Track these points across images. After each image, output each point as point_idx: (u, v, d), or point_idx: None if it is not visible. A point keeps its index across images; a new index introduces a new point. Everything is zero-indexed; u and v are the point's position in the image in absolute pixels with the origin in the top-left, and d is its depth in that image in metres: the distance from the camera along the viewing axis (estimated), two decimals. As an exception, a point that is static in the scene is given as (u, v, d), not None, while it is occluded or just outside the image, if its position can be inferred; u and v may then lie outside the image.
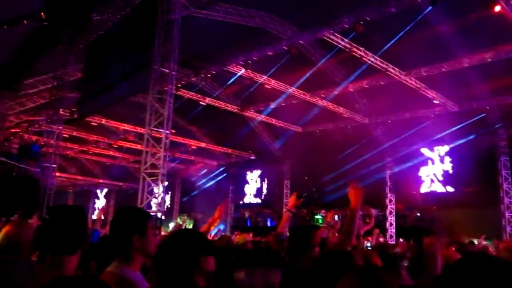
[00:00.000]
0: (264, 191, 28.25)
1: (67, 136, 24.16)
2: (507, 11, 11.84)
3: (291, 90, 18.94)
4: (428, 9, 12.86)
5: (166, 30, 12.92)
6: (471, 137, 19.02)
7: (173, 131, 20.73)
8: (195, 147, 26.13)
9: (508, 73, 15.40)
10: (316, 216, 26.72)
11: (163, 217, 14.91)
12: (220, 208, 4.63)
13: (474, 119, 18.50)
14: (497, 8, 11.58)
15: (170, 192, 33.09)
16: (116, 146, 26.80)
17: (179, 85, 18.63)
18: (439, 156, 20.90)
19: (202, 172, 30.85)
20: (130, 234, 2.47)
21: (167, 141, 12.59)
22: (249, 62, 16.46)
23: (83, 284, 1.41)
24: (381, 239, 13.31)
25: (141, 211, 2.86)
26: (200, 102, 21.01)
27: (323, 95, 19.58)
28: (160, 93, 12.88)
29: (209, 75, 18.17)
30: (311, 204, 24.64)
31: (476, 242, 13.57)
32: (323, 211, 25.48)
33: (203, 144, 26.32)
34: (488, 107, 18.11)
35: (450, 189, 20.39)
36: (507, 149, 19.09)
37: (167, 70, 12.81)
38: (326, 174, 23.52)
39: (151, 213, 12.27)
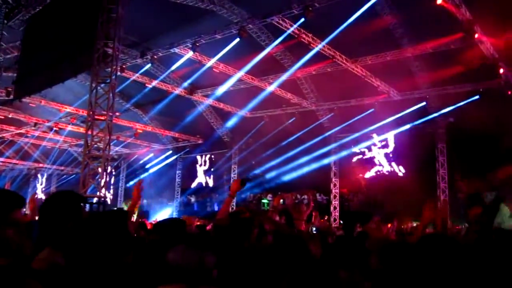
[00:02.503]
0: (212, 176, 28.13)
1: (3, 117, 22.85)
2: (448, 4, 12.29)
3: (240, 74, 18.83)
4: (375, -1, 13.12)
5: (110, 9, 12.35)
6: (413, 124, 19.86)
7: (117, 113, 20.20)
8: (141, 131, 25.47)
9: (448, 64, 16.12)
10: (263, 201, 27.01)
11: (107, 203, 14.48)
12: (136, 187, 4.51)
13: (416, 107, 19.28)
14: (439, 1, 11.97)
15: (114, 177, 32.25)
16: (57, 129, 25.61)
17: (124, 66, 18.04)
18: (383, 142, 21.63)
19: (149, 157, 30.22)
20: (64, 220, 2.31)
21: (110, 124, 12.15)
22: (197, 45, 16.15)
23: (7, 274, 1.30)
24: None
25: (76, 196, 2.67)
26: (146, 85, 20.46)
27: (271, 80, 19.64)
28: (104, 74, 12.38)
29: (155, 57, 17.66)
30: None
31: (415, 224, 14.23)
32: (269, 195, 25.81)
33: (149, 128, 25.72)
34: (428, 96, 18.90)
35: (392, 174, 21.17)
36: (445, 136, 20.06)
37: (110, 50, 12.30)
38: (273, 159, 23.77)
39: (94, 199, 11.88)
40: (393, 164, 21.38)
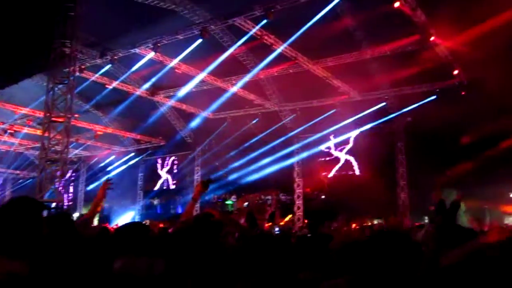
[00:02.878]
0: (175, 178, 27.79)
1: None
2: (405, 7, 12.65)
3: (203, 75, 18.71)
4: (337, 1, 13.33)
5: (68, 7, 12.01)
6: (373, 124, 20.33)
7: (76, 115, 19.63)
8: (101, 133, 24.86)
9: (406, 66, 16.60)
10: (227, 202, 26.97)
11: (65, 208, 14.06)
12: (102, 187, 4.40)
13: (375, 107, 19.75)
14: (397, 4, 12.31)
15: (74, 181, 31.33)
16: (12, 131, 24.65)
17: (82, 67, 17.59)
18: (344, 142, 22.00)
19: (110, 159, 29.55)
20: (21, 228, 2.21)
21: (69, 126, 11.81)
22: (159, 45, 15.95)
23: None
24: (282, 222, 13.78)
25: (35, 203, 2.54)
26: (107, 86, 20.00)
27: (234, 81, 19.62)
28: (61, 74, 12.02)
29: (116, 57, 17.30)
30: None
31: (376, 222, 14.59)
32: (233, 196, 25.79)
33: (109, 130, 25.14)
34: (387, 97, 19.40)
35: (354, 173, 21.56)
36: (404, 135, 20.64)
37: (68, 50, 11.96)
38: (237, 160, 23.78)
39: (53, 204, 11.51)
40: (353, 162, 21.78)
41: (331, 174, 22.38)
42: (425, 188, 21.39)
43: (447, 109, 16.76)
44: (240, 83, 19.51)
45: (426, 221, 19.82)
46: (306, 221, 21.85)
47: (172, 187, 27.65)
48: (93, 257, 2.88)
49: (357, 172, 21.36)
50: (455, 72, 16.10)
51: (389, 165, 20.69)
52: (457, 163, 19.78)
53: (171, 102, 22.18)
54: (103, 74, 19.16)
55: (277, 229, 8.00)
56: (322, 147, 22.37)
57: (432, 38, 13.86)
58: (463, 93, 16.97)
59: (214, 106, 21.82)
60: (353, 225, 10.55)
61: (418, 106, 18.68)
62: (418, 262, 2.00)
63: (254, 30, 14.73)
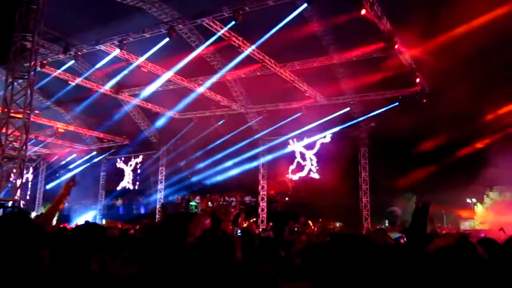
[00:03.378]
0: (139, 178, 27.31)
1: None
2: (371, 15, 12.91)
3: (169, 74, 18.50)
4: (304, 6, 13.46)
5: (30, 0, 11.62)
6: (338, 129, 20.65)
7: (36, 111, 19.02)
8: (62, 130, 24.15)
9: (370, 72, 16.97)
10: (191, 203, 26.77)
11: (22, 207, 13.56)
12: (66, 183, 4.25)
13: (340, 112, 20.07)
14: (363, 11, 12.54)
15: (32, 179, 30.31)
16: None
17: (44, 62, 17.08)
18: (309, 145, 22.23)
19: (71, 157, 28.75)
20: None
21: (28, 122, 11.42)
22: (125, 42, 15.66)
23: None
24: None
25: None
26: (69, 82, 19.48)
27: (201, 82, 19.51)
28: (22, 69, 11.62)
29: (80, 53, 16.87)
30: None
31: (338, 225, 14.81)
32: (197, 197, 25.63)
33: (71, 127, 24.48)
34: (352, 102, 19.75)
35: (318, 176, 21.81)
36: (367, 141, 21.06)
37: (29, 44, 11.57)
38: (202, 161, 23.65)
39: (9, 203, 11.10)
40: (318, 166, 22.03)
41: (295, 177, 22.57)
42: (386, 192, 22.03)
43: (409, 116, 17.24)
44: (207, 84, 19.41)
45: (387, 224, 20.34)
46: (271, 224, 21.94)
47: (135, 187, 27.18)
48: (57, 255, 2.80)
49: (316, 176, 21.60)
50: (418, 80, 16.54)
51: (352, 169, 21.07)
52: (416, 169, 20.38)
53: (136, 101, 21.82)
54: (66, 70, 18.67)
55: (239, 231, 7.94)
56: (287, 150, 22.53)
57: (396, 46, 14.19)
58: (424, 100, 17.47)
59: (180, 106, 21.62)
60: (315, 228, 10.64)
61: (382, 112, 19.11)
62: (376, 266, 2.03)
63: (222, 31, 14.69)
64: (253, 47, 15.80)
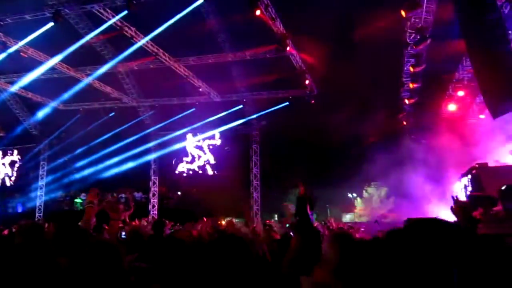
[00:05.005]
0: (16, 173, 24.91)
1: None
2: (266, 17, 13.27)
3: (53, 62, 17.16)
4: (200, 2, 13.39)
5: None
6: (231, 126, 20.93)
7: None
8: None
9: (263, 72, 17.49)
10: (76, 200, 25.31)
11: None
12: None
13: (233, 109, 20.38)
14: (258, 12, 12.84)
15: None
16: None
17: None
18: (202, 141, 22.22)
19: None
20: None
21: None
22: (2, 24, 14.20)
23: None
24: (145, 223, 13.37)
25: None
26: None
27: (89, 72, 18.44)
28: None
29: None
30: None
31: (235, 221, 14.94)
32: (83, 194, 24.24)
33: None
34: (245, 100, 20.17)
35: (211, 172, 21.89)
36: (258, 138, 21.69)
37: None
38: (89, 155, 22.41)
39: None
40: (210, 162, 22.14)
41: (188, 173, 22.41)
42: (276, 188, 22.89)
43: (298, 116, 18.10)
44: (96, 74, 18.37)
45: (277, 219, 21.16)
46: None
47: (12, 183, 24.73)
48: None
49: (209, 172, 21.71)
50: (307, 82, 17.39)
51: (244, 166, 21.55)
52: (304, 165, 21.45)
53: (14, 89, 19.89)
54: None
55: (123, 233, 7.57)
56: (180, 146, 22.29)
57: (288, 48, 14.76)
58: (312, 102, 18.44)
59: (66, 96, 20.16)
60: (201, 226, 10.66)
61: (273, 111, 19.81)
62: (253, 263, 2.10)
63: (113, 20, 14.02)
64: (147, 39, 15.31)
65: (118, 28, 14.49)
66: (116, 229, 7.44)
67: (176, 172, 22.25)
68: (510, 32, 7.96)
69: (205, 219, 9.42)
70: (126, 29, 14.64)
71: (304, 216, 3.57)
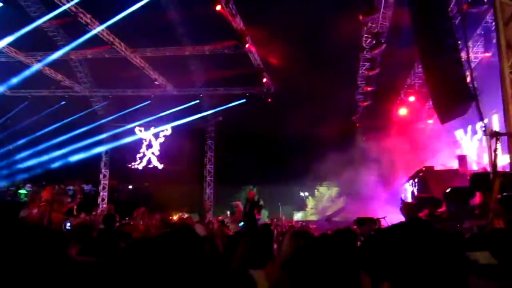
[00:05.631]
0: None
1: None
2: (226, 12, 13.20)
3: (1, 45, 16.28)
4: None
5: None
6: (186, 120, 20.70)
7: None
8: None
9: (221, 67, 17.40)
10: (20, 191, 24.25)
11: None
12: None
13: (190, 104, 20.16)
14: (218, 7, 12.75)
15: None
16: None
17: None
18: (155, 135, 21.87)
19: None
20: None
21: None
22: None
23: None
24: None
25: None
26: None
27: (40, 58, 17.66)
28: None
29: None
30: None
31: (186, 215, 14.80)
32: (28, 185, 23.26)
33: None
34: (201, 95, 20.00)
35: (163, 166, 21.59)
36: (214, 134, 21.59)
37: None
38: (37, 144, 21.49)
39: None
40: (164, 155, 21.83)
41: (140, 166, 22.01)
42: (229, 184, 22.88)
43: (255, 113, 18.15)
44: (47, 60, 17.61)
45: (229, 215, 21.13)
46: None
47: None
48: None
49: (162, 166, 21.43)
50: (264, 80, 17.47)
51: (199, 161, 21.42)
52: (258, 163, 21.58)
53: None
54: None
55: (68, 224, 7.33)
56: (134, 138, 21.83)
57: (247, 46, 14.76)
58: (269, 100, 18.54)
59: (13, 82, 19.20)
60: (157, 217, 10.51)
61: (229, 107, 19.76)
62: (205, 258, 2.08)
63: (68, 5, 13.48)
64: (103, 27, 14.83)
65: (72, 13, 13.95)
66: (59, 220, 7.16)
67: (129, 165, 21.80)
68: (459, 42, 8.31)
69: (141, 209, 9.25)
70: (81, 15, 14.12)
71: (252, 219, 3.63)
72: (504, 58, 6.14)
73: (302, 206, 25.39)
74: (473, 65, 10.55)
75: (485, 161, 12.80)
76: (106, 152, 22.41)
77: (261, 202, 10.00)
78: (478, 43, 14.16)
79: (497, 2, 6.41)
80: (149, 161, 21.97)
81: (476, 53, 14.11)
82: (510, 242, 2.57)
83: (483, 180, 7.94)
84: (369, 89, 16.20)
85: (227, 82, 18.70)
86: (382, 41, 13.20)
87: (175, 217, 17.84)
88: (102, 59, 17.41)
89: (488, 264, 2.27)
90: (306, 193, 25.52)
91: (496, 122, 12.14)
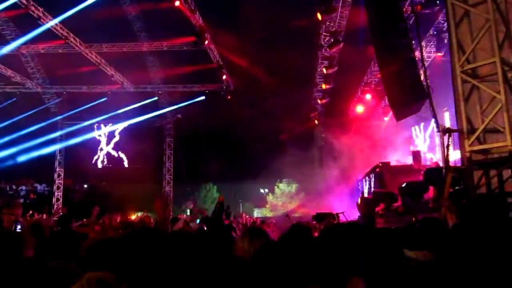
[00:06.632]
0: None
1: None
2: (185, 8, 13.04)
3: None
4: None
5: None
6: (144, 117, 20.32)
7: None
8: None
9: (180, 64, 17.21)
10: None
11: None
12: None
13: (148, 101, 19.81)
14: (177, 3, 12.57)
15: None
16: None
17: None
18: (112, 132, 21.36)
19: None
20: None
21: None
22: None
23: None
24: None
25: None
26: None
27: (-13, 52, 16.85)
28: None
29: None
30: None
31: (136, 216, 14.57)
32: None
33: None
34: (160, 92, 19.70)
35: (120, 165, 21.12)
36: (173, 131, 21.32)
37: None
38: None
39: None
40: (121, 154, 21.39)
41: (96, 165, 21.46)
42: (188, 183, 22.69)
43: (214, 110, 18.06)
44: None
45: (188, 213, 20.99)
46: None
47: None
48: None
49: (121, 164, 21.02)
50: (224, 77, 17.41)
51: (157, 159, 21.10)
52: (217, 161, 21.52)
53: None
54: None
55: (19, 226, 7.03)
56: (90, 136, 21.24)
57: (206, 42, 14.64)
58: (229, 97, 18.51)
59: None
60: (118, 219, 10.27)
61: (188, 104, 19.56)
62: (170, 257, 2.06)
63: (19, -2, 12.92)
64: (56, 21, 14.30)
65: (23, 6, 13.37)
66: (8, 221, 6.83)
67: (85, 164, 21.22)
68: (413, 42, 8.57)
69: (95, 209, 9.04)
70: (33, 8, 13.55)
71: (219, 220, 3.63)
72: (456, 57, 6.36)
73: (262, 203, 25.55)
74: (426, 64, 10.92)
75: (438, 156, 13.34)
76: (61, 150, 21.67)
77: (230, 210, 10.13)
78: (431, 43, 14.70)
79: (449, 3, 6.63)
80: (106, 160, 21.44)
81: (429, 52, 14.65)
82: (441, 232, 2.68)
83: (436, 175, 8.28)
84: (327, 86, 16.45)
85: (186, 79, 18.52)
86: (340, 39, 13.44)
87: (133, 217, 17.55)
88: (56, 55, 16.80)
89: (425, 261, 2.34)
90: (266, 190, 25.71)
91: (447, 120, 12.65)
